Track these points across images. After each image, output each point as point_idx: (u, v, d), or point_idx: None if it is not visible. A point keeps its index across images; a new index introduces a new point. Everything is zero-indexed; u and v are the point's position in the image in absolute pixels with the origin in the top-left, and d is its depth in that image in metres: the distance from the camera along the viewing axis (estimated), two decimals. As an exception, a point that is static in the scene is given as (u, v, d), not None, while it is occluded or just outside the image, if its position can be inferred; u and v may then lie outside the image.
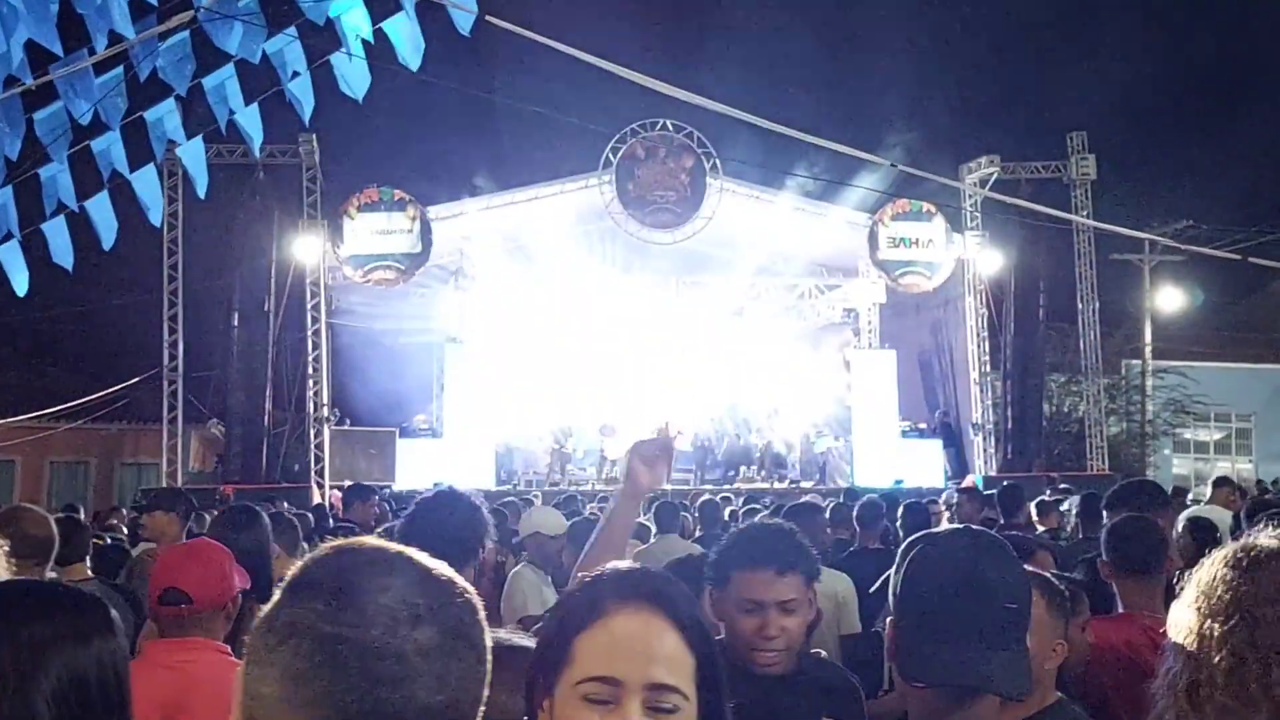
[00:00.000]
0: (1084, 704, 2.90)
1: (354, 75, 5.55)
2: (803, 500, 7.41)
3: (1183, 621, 1.55)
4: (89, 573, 5.41)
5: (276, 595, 1.17)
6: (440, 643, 1.13)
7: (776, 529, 2.83)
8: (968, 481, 20.13)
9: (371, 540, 1.23)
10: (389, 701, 1.08)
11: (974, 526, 2.07)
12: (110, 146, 5.64)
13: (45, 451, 26.26)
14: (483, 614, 1.21)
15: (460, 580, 1.21)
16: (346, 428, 21.92)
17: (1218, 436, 32.13)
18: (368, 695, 1.08)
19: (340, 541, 1.21)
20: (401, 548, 1.21)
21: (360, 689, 1.08)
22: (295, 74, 5.54)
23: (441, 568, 1.21)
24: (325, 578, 1.15)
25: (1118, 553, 3.83)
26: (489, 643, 1.20)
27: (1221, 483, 10.31)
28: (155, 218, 5.75)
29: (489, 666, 1.19)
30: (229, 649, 3.10)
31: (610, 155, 21.60)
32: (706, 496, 11.91)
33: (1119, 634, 3.57)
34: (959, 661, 1.81)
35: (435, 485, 17.55)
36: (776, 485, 21.55)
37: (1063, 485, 15.04)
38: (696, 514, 10.08)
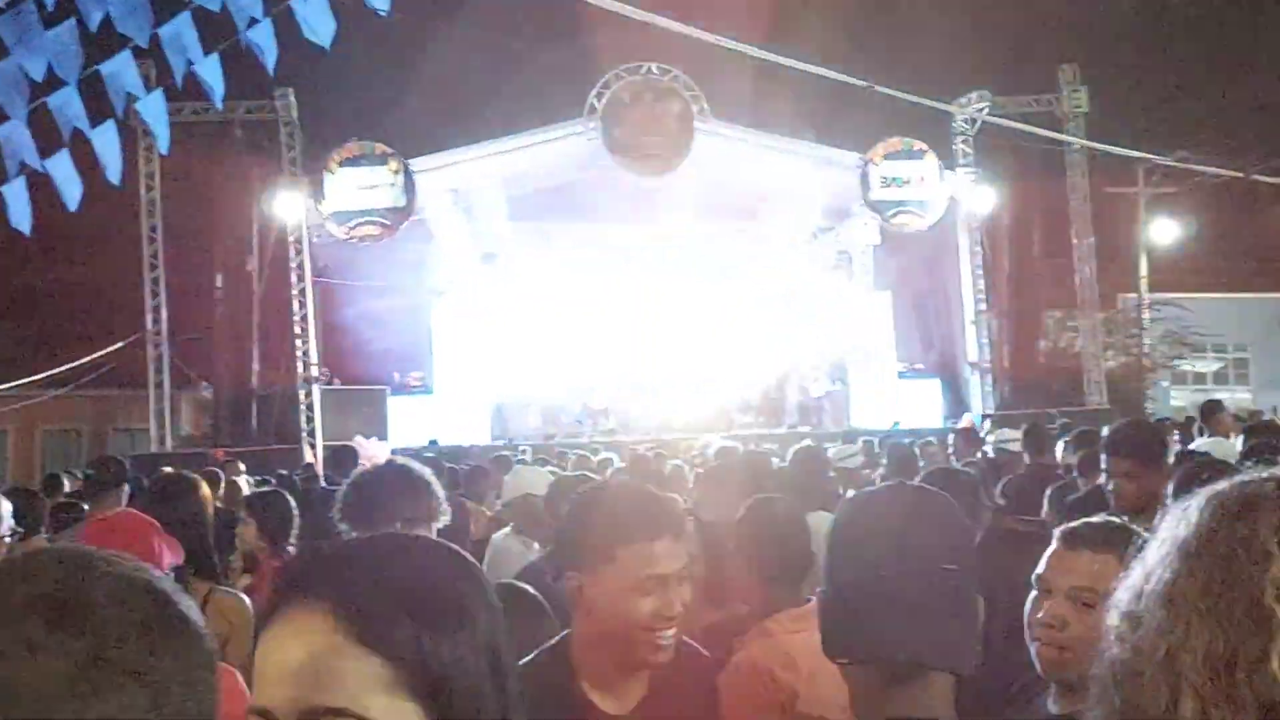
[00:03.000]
0: None
1: (317, 20, 5.24)
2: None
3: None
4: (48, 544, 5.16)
5: None
6: (76, 675, 0.87)
7: (646, 491, 2.51)
8: (965, 421, 19.95)
9: (66, 543, 0.94)
10: None
11: (909, 482, 1.87)
12: (68, 102, 5.34)
13: (36, 420, 25.96)
14: (177, 630, 0.94)
15: (150, 585, 0.94)
16: (337, 387, 21.68)
17: (1215, 367, 32.15)
18: None
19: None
20: (85, 549, 0.95)
21: None
22: (254, 21, 5.23)
23: (116, 569, 0.94)
24: None
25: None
26: (175, 668, 0.93)
27: (1214, 409, 9.81)
28: (113, 175, 5.46)
29: (177, 698, 0.92)
30: None
31: (595, 101, 21.18)
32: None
33: None
34: (885, 634, 1.62)
35: (430, 442, 17.38)
36: (774, 431, 21.38)
37: (1062, 421, 14.92)
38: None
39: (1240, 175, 7.31)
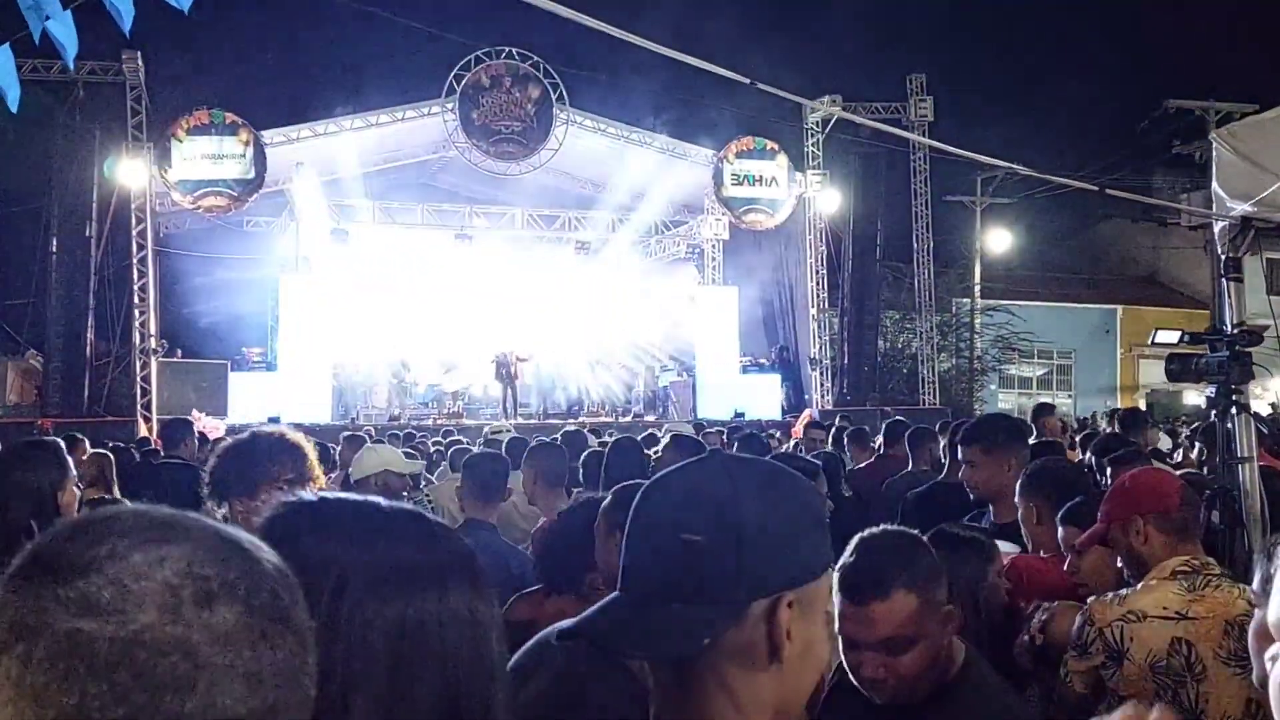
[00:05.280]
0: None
1: (178, -18, 5.20)
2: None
3: None
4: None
5: None
6: (247, 626, 0.83)
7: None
8: (805, 416, 20.57)
9: (134, 506, 0.90)
10: (176, 714, 0.78)
11: (726, 452, 1.52)
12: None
13: None
14: (298, 590, 0.91)
15: (267, 549, 0.91)
16: (176, 359, 21.10)
17: (1040, 372, 33.73)
18: (144, 708, 0.77)
19: (89, 512, 0.89)
20: (177, 511, 0.89)
21: (131, 700, 0.77)
22: (114, -21, 5.16)
23: (239, 531, 0.91)
24: (67, 554, 0.82)
25: (1056, 494, 3.64)
26: (311, 625, 0.91)
27: (1044, 410, 10.31)
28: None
29: (312, 657, 0.89)
30: None
31: (454, 83, 21.06)
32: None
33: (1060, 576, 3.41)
34: (614, 621, 1.31)
35: (270, 419, 17.09)
36: (621, 420, 21.66)
37: (896, 418, 15.42)
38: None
39: (1094, 189, 7.66)
